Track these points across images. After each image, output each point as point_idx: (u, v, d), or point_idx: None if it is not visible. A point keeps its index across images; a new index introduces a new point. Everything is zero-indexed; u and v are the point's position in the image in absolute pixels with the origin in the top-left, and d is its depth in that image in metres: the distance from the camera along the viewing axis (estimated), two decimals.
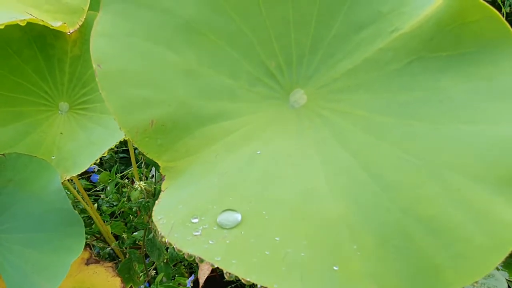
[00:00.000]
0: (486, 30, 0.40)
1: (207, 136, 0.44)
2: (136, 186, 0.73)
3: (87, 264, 0.74)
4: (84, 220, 0.97)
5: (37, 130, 0.70)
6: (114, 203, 1.04)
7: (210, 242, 0.33)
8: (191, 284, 0.85)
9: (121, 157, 1.24)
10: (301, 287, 0.31)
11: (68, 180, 0.65)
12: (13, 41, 0.70)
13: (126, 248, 0.88)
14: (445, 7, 0.42)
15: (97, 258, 0.75)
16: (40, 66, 0.72)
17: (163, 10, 0.46)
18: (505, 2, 1.32)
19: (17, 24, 0.59)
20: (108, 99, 0.42)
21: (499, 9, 1.29)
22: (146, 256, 0.85)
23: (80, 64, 0.73)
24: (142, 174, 1.02)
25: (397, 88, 0.43)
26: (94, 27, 0.44)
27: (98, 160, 0.64)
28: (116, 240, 0.95)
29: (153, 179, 0.86)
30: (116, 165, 0.99)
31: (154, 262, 0.91)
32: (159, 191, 0.76)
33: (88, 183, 1.14)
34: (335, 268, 0.33)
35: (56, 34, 0.71)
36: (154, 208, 0.39)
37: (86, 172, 1.06)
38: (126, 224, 1.01)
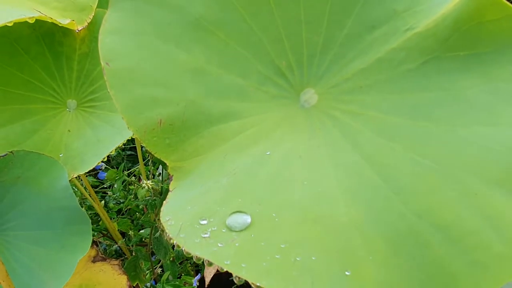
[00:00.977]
0: (505, 30, 0.39)
1: (216, 135, 0.44)
2: (143, 185, 0.72)
3: (93, 261, 0.74)
4: (91, 217, 0.98)
5: (45, 128, 0.70)
6: (121, 200, 1.04)
7: (219, 245, 0.33)
8: (197, 283, 0.85)
9: (128, 155, 1.24)
10: None
11: (76, 177, 0.64)
12: (22, 39, 0.70)
13: (132, 246, 0.88)
14: (462, 5, 0.40)
15: (103, 255, 0.75)
16: (49, 63, 0.72)
17: (173, 7, 0.45)
18: None
19: (26, 22, 0.58)
20: (116, 97, 0.41)
21: None
22: (152, 253, 0.85)
23: (88, 62, 0.73)
24: (149, 171, 1.02)
25: (410, 88, 0.42)
26: (103, 25, 0.43)
27: (106, 158, 0.64)
28: (123, 237, 0.95)
29: (160, 177, 0.86)
30: (124, 163, 0.99)
31: (160, 260, 0.91)
32: (166, 189, 0.76)
33: (95, 180, 1.14)
34: (347, 273, 0.32)
35: (65, 32, 0.71)
36: (162, 208, 0.39)
37: (93, 169, 1.06)
38: (132, 222, 1.01)
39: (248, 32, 0.46)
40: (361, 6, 0.45)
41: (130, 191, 1.00)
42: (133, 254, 0.83)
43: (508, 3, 0.38)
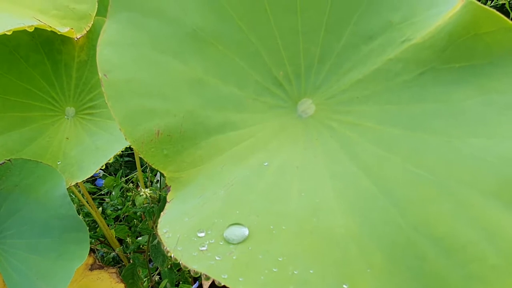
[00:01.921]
0: (501, 42, 0.39)
1: (213, 146, 0.44)
2: (141, 193, 0.72)
3: (91, 269, 0.74)
4: (88, 224, 0.98)
5: (43, 135, 0.70)
6: (119, 207, 1.04)
7: (217, 258, 0.33)
8: None
9: (126, 161, 1.24)
10: None
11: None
12: (21, 46, 0.70)
13: (130, 253, 0.88)
14: (458, 17, 0.41)
15: (101, 263, 0.75)
16: (47, 71, 0.72)
17: (170, 19, 0.45)
18: None
19: (25, 30, 0.59)
20: (114, 109, 0.41)
21: (507, 14, 1.27)
22: (150, 260, 0.84)
23: (87, 70, 0.73)
24: (147, 178, 1.02)
25: (407, 99, 0.42)
26: (101, 36, 0.44)
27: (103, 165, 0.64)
28: (120, 244, 0.95)
29: (158, 184, 0.85)
30: (122, 169, 0.98)
31: (158, 268, 0.90)
32: (164, 197, 0.76)
33: (93, 186, 1.14)
34: (344, 286, 0.32)
35: (64, 40, 0.71)
36: (160, 220, 0.39)
37: (91, 176, 1.06)
38: (130, 228, 1.01)
39: (245, 43, 0.47)
40: (358, 17, 0.46)
41: (128, 197, 0.99)
42: (131, 261, 0.83)
43: (502, 15, 0.39)
